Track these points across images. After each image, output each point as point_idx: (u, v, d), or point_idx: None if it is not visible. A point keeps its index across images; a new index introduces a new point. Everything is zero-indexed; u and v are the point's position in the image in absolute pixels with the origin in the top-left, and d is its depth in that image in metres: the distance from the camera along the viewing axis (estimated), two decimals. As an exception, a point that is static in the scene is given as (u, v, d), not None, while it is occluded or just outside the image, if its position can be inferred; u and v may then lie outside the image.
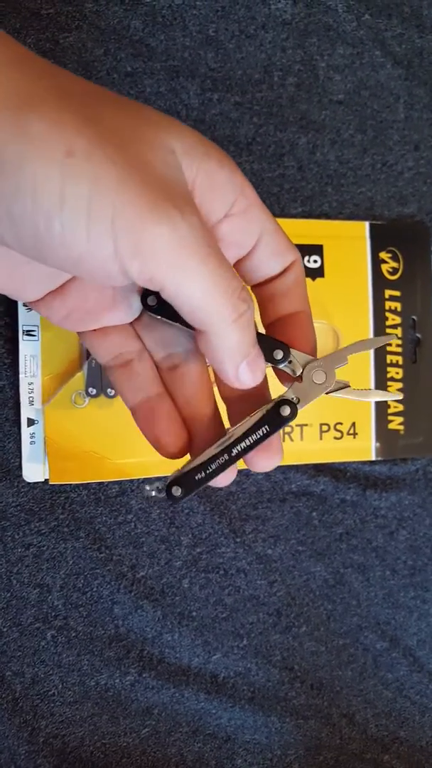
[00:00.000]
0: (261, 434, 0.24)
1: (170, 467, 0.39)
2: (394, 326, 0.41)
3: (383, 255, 0.41)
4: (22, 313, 0.36)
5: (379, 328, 0.41)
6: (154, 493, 0.25)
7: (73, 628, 0.38)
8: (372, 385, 0.41)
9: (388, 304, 0.41)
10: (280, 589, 0.41)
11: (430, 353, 0.42)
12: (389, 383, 0.41)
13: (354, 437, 0.41)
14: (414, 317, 0.42)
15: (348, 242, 0.41)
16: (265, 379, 0.26)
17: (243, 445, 0.24)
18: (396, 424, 0.41)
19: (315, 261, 0.40)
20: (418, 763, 0.43)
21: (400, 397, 0.28)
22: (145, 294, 0.24)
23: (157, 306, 0.24)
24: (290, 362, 0.25)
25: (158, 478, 0.39)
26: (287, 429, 0.40)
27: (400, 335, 0.42)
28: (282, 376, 0.26)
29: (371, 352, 0.41)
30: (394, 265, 0.42)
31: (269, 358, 0.25)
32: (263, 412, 0.25)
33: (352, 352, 0.25)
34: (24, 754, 0.37)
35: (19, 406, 0.37)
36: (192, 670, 0.39)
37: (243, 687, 0.40)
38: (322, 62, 0.42)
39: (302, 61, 0.41)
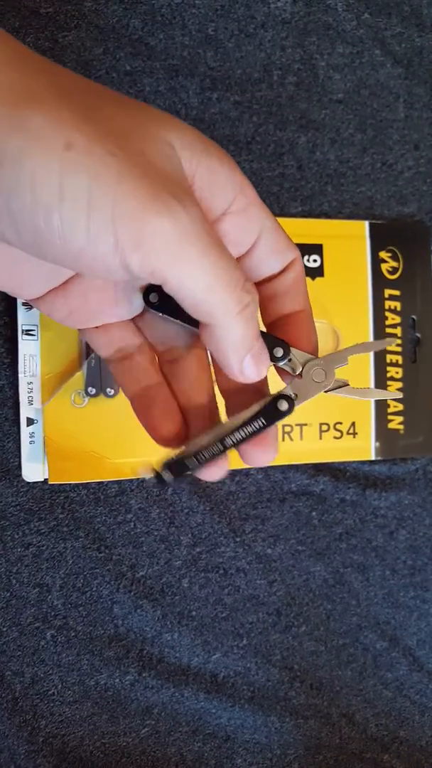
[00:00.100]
0: (256, 427, 0.24)
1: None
2: (394, 326, 0.41)
3: (383, 254, 0.41)
4: (22, 313, 0.36)
5: (379, 327, 0.41)
6: (145, 475, 0.25)
7: (73, 628, 0.38)
8: (372, 384, 0.41)
9: (387, 304, 0.41)
10: (279, 589, 0.41)
11: (430, 353, 0.42)
12: (389, 383, 0.41)
13: (354, 437, 0.41)
14: (414, 317, 0.42)
15: (348, 242, 0.41)
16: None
17: (237, 436, 0.24)
18: (396, 423, 0.41)
19: (315, 260, 0.40)
20: (417, 763, 0.43)
21: (399, 396, 0.28)
22: (148, 291, 0.24)
23: (159, 303, 0.24)
24: (290, 360, 0.25)
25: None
26: (287, 428, 0.40)
27: (400, 335, 0.42)
28: (282, 374, 0.26)
29: (371, 351, 0.41)
30: (394, 264, 0.41)
31: (269, 356, 0.25)
32: (261, 405, 0.25)
33: (352, 354, 0.25)
34: (24, 753, 0.37)
35: (18, 405, 0.37)
36: (192, 669, 0.39)
37: (243, 687, 0.40)
38: (321, 61, 0.42)
39: (302, 60, 0.41)
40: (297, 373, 0.25)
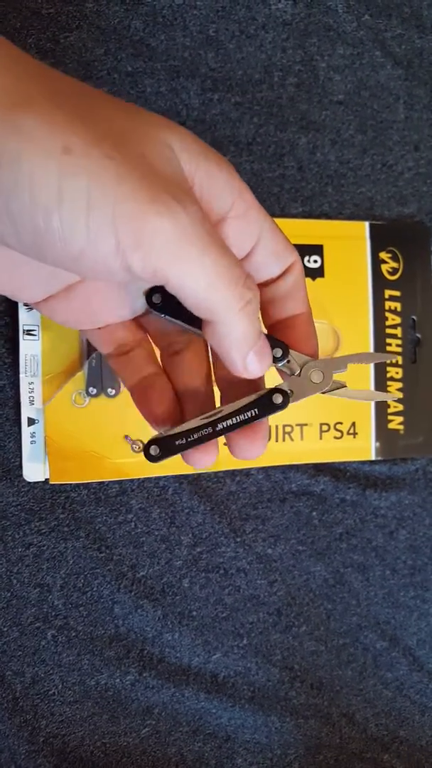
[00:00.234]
0: (248, 416, 0.25)
1: (170, 467, 0.39)
2: (394, 326, 0.42)
3: (383, 255, 0.41)
4: (23, 313, 0.36)
5: (379, 328, 0.41)
6: (134, 447, 0.26)
7: (74, 628, 0.38)
8: (372, 384, 0.41)
9: (388, 304, 0.41)
10: (280, 589, 0.41)
11: (430, 353, 0.42)
12: (389, 383, 0.41)
13: (354, 437, 0.41)
14: (414, 317, 0.42)
15: (348, 242, 0.41)
16: None
17: (229, 422, 0.25)
18: (396, 423, 0.41)
19: (315, 261, 0.40)
20: (417, 763, 0.43)
21: (395, 398, 0.28)
22: (150, 292, 0.25)
23: (161, 304, 0.24)
24: (288, 362, 0.25)
25: (158, 478, 0.39)
26: (287, 429, 0.40)
27: (400, 335, 0.42)
28: (281, 375, 0.26)
29: (372, 351, 0.41)
30: (394, 265, 0.42)
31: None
32: (255, 396, 0.25)
33: (352, 362, 0.26)
34: (24, 753, 0.37)
35: (19, 405, 0.37)
36: (192, 669, 0.40)
37: (243, 686, 0.40)
38: (322, 62, 0.42)
39: (302, 61, 0.41)
40: (295, 374, 0.25)
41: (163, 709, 0.39)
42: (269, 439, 0.39)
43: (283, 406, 0.25)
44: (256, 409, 0.25)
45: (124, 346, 0.27)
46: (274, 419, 0.39)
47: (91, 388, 0.36)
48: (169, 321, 0.25)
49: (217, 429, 0.25)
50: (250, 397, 0.25)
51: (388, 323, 0.41)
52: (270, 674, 0.41)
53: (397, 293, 0.42)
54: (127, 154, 0.19)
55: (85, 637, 0.38)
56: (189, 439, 0.25)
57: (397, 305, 0.42)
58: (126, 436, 0.27)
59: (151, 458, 0.25)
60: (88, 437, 0.37)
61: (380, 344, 0.41)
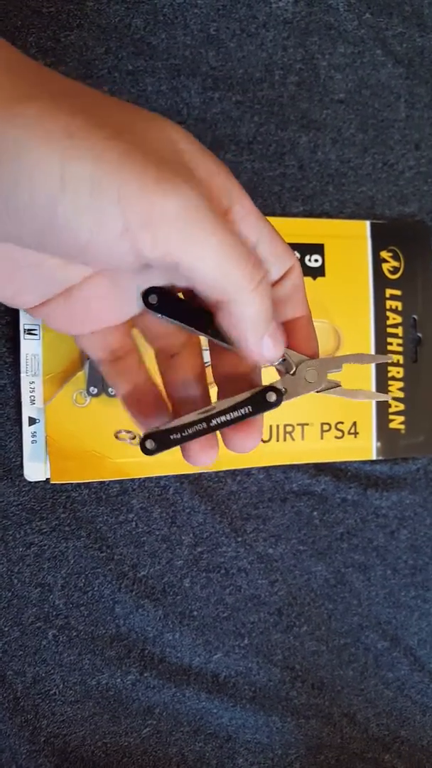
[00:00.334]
0: (243, 413, 0.25)
1: (170, 467, 0.39)
2: (395, 325, 0.41)
3: (384, 254, 0.41)
4: (24, 312, 0.36)
5: (380, 327, 0.41)
6: (129, 441, 0.26)
7: (75, 628, 0.38)
8: (373, 383, 0.41)
9: (389, 303, 0.41)
10: (281, 589, 0.41)
11: (431, 352, 0.42)
12: (390, 382, 0.41)
13: (355, 437, 0.41)
14: (415, 316, 0.42)
15: (349, 241, 0.41)
16: (258, 368, 0.26)
17: (223, 418, 0.25)
18: (397, 423, 0.41)
19: (316, 260, 0.40)
20: (419, 763, 0.43)
21: (389, 398, 0.28)
22: (147, 293, 0.24)
23: (158, 304, 0.24)
24: (284, 360, 0.26)
25: (159, 477, 0.39)
26: (288, 428, 0.40)
27: (401, 334, 0.42)
28: (279, 374, 0.26)
29: (372, 350, 0.41)
30: (395, 264, 0.42)
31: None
32: (250, 394, 0.25)
33: (348, 362, 0.26)
34: (25, 753, 0.37)
35: (20, 405, 0.37)
36: (193, 669, 0.39)
37: (244, 686, 0.40)
38: (323, 61, 0.42)
39: (303, 59, 0.41)
40: (291, 372, 0.26)
41: (164, 709, 0.39)
42: (270, 440, 0.39)
43: (276, 404, 0.25)
44: (250, 407, 0.25)
45: (116, 352, 0.27)
46: (275, 419, 0.39)
47: (92, 388, 0.36)
48: (166, 321, 0.25)
49: (212, 424, 0.25)
50: (244, 394, 0.25)
51: (389, 322, 0.41)
52: (271, 674, 0.41)
53: (398, 292, 0.41)
54: (129, 138, 0.19)
55: (86, 636, 0.38)
56: (184, 434, 0.25)
57: (398, 304, 0.42)
58: (119, 431, 0.27)
59: (147, 452, 0.25)
60: (88, 437, 0.37)
61: (381, 343, 0.41)
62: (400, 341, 0.42)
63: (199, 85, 0.40)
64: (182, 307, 0.24)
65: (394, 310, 0.41)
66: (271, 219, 0.40)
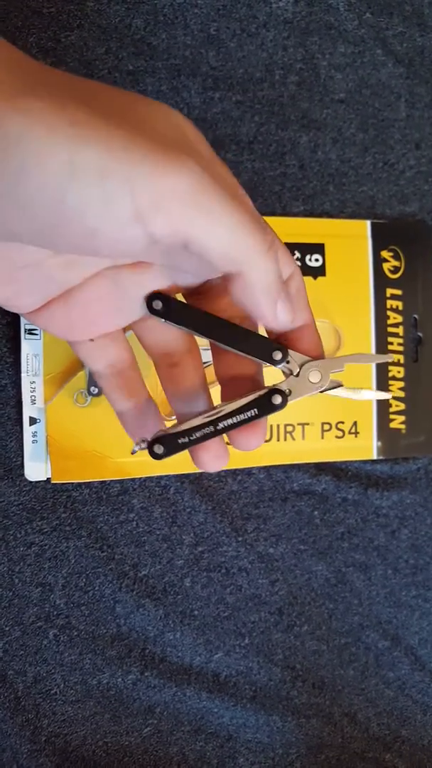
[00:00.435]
0: (249, 416, 0.25)
1: (170, 467, 0.39)
2: (396, 325, 0.41)
3: (385, 254, 0.41)
4: (24, 312, 0.36)
5: (381, 326, 0.41)
6: (137, 447, 0.26)
7: (75, 627, 0.38)
8: (373, 383, 0.41)
9: (389, 303, 0.41)
10: (281, 588, 0.41)
11: (432, 352, 0.42)
12: (391, 382, 0.41)
13: (356, 436, 0.41)
14: (415, 316, 0.42)
15: (349, 241, 0.41)
16: (260, 367, 0.26)
17: (230, 421, 0.25)
18: (398, 423, 0.41)
19: (316, 260, 0.40)
20: (419, 762, 0.43)
21: (389, 396, 0.28)
22: (150, 298, 0.24)
23: (162, 309, 0.24)
24: (288, 362, 0.26)
25: (160, 477, 0.39)
26: (289, 428, 0.40)
27: (401, 334, 0.42)
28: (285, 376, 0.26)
29: (373, 350, 0.41)
30: (396, 263, 0.42)
31: (268, 359, 0.25)
32: (255, 396, 0.26)
33: (350, 362, 0.26)
34: (26, 752, 0.37)
35: (21, 405, 0.37)
36: (194, 669, 0.39)
37: (245, 686, 0.40)
38: (323, 61, 0.42)
39: (303, 59, 0.41)
40: (294, 374, 0.26)
41: (164, 708, 0.39)
42: (271, 439, 0.39)
43: (281, 406, 0.25)
44: (255, 409, 0.25)
45: (114, 365, 0.26)
46: (276, 418, 0.39)
47: (92, 388, 0.36)
48: (171, 326, 0.25)
49: (219, 428, 0.25)
50: (250, 397, 0.26)
51: (389, 322, 0.41)
52: (272, 674, 0.41)
53: (398, 292, 0.41)
54: (132, 122, 0.19)
55: (87, 636, 0.38)
56: (192, 438, 0.25)
57: (399, 304, 0.42)
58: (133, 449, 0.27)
59: (156, 456, 0.26)
60: (89, 436, 0.37)
61: (382, 343, 0.41)
62: (400, 341, 0.42)
63: (200, 85, 0.40)
64: (187, 312, 0.24)
65: (395, 310, 0.41)
66: (272, 218, 0.40)
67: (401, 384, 0.42)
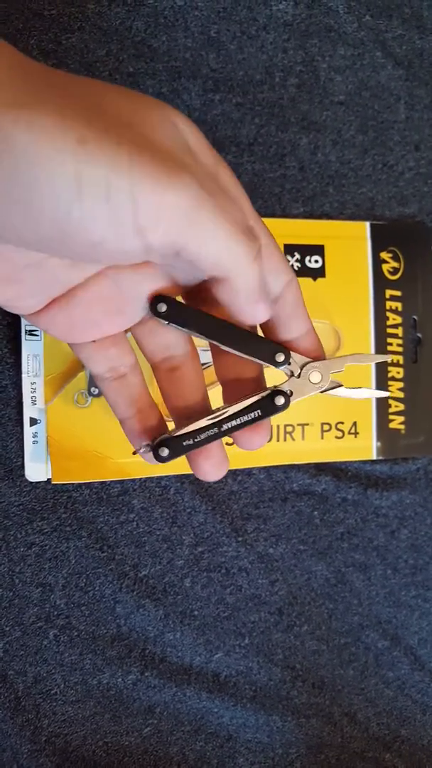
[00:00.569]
0: (252, 417, 0.26)
1: (170, 467, 0.39)
2: (395, 326, 0.42)
3: (384, 255, 0.41)
4: (25, 313, 0.36)
5: (380, 327, 0.41)
6: (141, 450, 0.26)
7: (76, 627, 0.38)
8: (373, 383, 0.41)
9: (389, 304, 0.41)
10: (281, 588, 0.41)
11: (431, 353, 0.42)
12: (390, 383, 0.42)
13: (355, 437, 0.41)
14: (415, 317, 0.42)
15: (349, 242, 0.41)
16: (261, 368, 0.27)
17: (234, 423, 0.26)
18: (397, 423, 0.42)
19: (316, 261, 0.40)
20: (419, 762, 0.43)
21: (387, 395, 0.29)
22: (155, 301, 0.25)
23: (167, 312, 0.25)
24: (289, 363, 0.26)
25: (160, 478, 0.39)
26: (289, 428, 0.40)
27: (401, 335, 0.42)
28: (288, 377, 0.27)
29: (372, 350, 0.41)
30: (395, 265, 0.42)
31: (271, 361, 0.26)
32: (258, 397, 0.26)
33: (349, 362, 0.27)
34: (26, 752, 0.37)
35: (21, 405, 0.37)
36: (194, 669, 0.40)
37: (245, 686, 0.40)
38: (323, 63, 0.42)
39: (303, 62, 0.41)
40: (295, 375, 0.27)
41: (164, 708, 0.39)
42: (271, 440, 0.39)
43: (284, 407, 0.26)
44: (259, 411, 0.26)
45: (116, 369, 0.27)
46: (276, 419, 0.39)
47: (93, 388, 0.36)
48: (174, 329, 0.25)
49: (223, 429, 0.26)
50: (252, 398, 0.26)
51: (389, 323, 0.41)
52: (271, 674, 0.41)
53: (398, 293, 0.42)
54: (137, 138, 0.20)
55: (87, 636, 0.38)
56: (196, 440, 0.26)
57: (398, 305, 0.42)
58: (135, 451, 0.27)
59: (161, 459, 0.26)
60: (90, 437, 0.37)
61: (381, 344, 0.41)
62: (400, 342, 0.42)
63: (200, 87, 0.40)
64: (190, 314, 0.25)
65: (394, 311, 0.42)
66: (272, 220, 0.40)
67: (400, 384, 0.42)
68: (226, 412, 0.26)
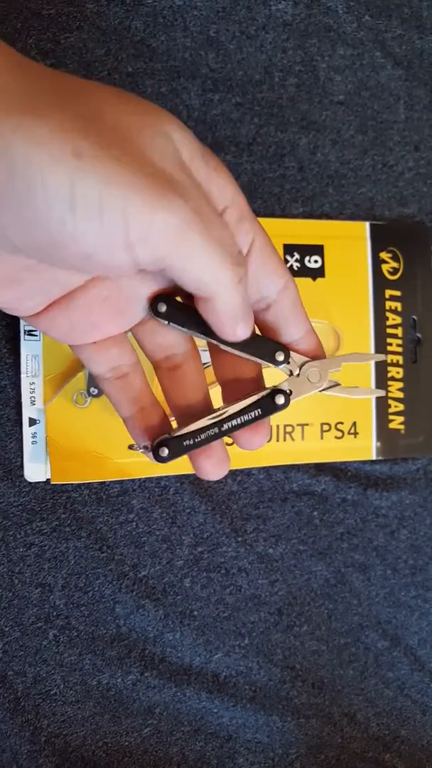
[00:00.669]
0: (253, 416, 0.26)
1: (170, 467, 0.39)
2: (395, 326, 0.42)
3: (384, 255, 0.41)
4: (24, 313, 0.36)
5: (380, 327, 0.41)
6: (141, 450, 0.26)
7: (75, 628, 0.38)
8: (372, 383, 0.41)
9: (388, 304, 0.41)
10: (281, 589, 0.41)
11: (431, 353, 0.42)
12: (390, 383, 0.42)
13: (355, 437, 0.41)
14: (414, 317, 0.42)
15: (349, 242, 0.41)
16: (260, 368, 0.27)
17: (234, 422, 0.26)
18: (397, 423, 0.42)
19: (316, 261, 0.40)
20: (419, 762, 0.43)
21: (383, 394, 0.29)
22: (155, 300, 0.25)
23: (167, 312, 0.25)
24: (289, 363, 0.26)
25: (159, 478, 0.39)
26: (288, 428, 0.40)
27: (400, 335, 0.42)
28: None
29: (372, 350, 0.41)
30: (395, 265, 0.42)
31: (271, 360, 0.26)
32: (258, 397, 0.26)
33: (346, 361, 0.27)
34: (26, 753, 0.37)
35: (20, 405, 0.37)
36: (193, 669, 0.40)
37: (244, 686, 0.40)
38: (322, 63, 0.42)
39: (303, 61, 0.41)
40: (295, 374, 0.27)
41: (164, 708, 0.39)
42: (270, 440, 0.39)
43: (284, 406, 0.26)
44: (259, 410, 0.26)
45: (118, 369, 0.27)
46: (275, 419, 0.39)
47: (92, 389, 0.36)
48: (175, 329, 0.25)
49: (223, 429, 0.26)
50: (252, 398, 0.26)
51: (388, 323, 0.41)
52: (271, 674, 0.41)
53: (397, 293, 0.42)
54: (133, 154, 0.20)
55: (87, 636, 0.38)
56: (197, 440, 0.26)
57: (398, 305, 0.42)
58: (132, 445, 0.28)
59: (161, 459, 0.26)
60: (89, 437, 0.37)
61: (381, 344, 0.41)
62: (399, 342, 0.42)
63: (199, 87, 0.40)
64: (190, 314, 0.25)
65: (394, 311, 0.42)
66: (271, 220, 0.40)
67: (400, 385, 0.42)
68: (226, 411, 0.26)
